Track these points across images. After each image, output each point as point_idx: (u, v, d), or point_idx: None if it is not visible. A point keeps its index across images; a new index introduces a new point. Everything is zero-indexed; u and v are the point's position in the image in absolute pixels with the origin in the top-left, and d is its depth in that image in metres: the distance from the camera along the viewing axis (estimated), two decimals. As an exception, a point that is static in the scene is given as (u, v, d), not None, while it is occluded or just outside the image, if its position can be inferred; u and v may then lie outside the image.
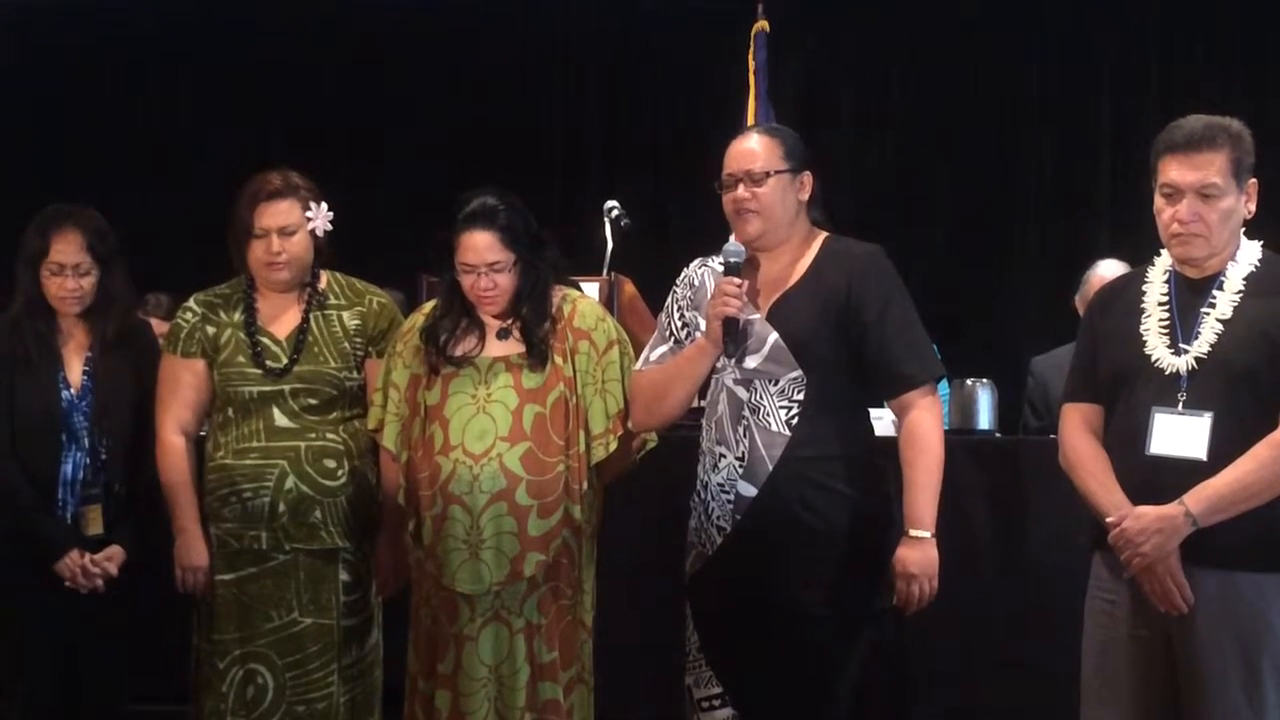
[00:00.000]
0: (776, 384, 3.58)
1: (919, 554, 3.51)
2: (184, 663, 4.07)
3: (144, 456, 4.04)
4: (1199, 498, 3.28)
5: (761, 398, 3.58)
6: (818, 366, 3.56)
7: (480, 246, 3.77)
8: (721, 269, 3.64)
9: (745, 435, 3.58)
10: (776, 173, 3.61)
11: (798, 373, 3.56)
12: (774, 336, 3.57)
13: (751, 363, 3.58)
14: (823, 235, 3.69)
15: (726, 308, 3.53)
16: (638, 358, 3.85)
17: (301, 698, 3.91)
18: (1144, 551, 3.29)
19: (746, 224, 3.62)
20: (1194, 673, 3.32)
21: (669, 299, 3.80)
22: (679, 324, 3.74)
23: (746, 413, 3.58)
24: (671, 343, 3.74)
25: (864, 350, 3.56)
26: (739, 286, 3.55)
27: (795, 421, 3.55)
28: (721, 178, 3.66)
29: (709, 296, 3.64)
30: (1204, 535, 3.28)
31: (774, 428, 3.56)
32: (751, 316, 3.59)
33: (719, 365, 3.63)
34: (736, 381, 3.61)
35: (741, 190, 3.61)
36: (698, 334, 3.66)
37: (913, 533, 3.52)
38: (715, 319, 3.55)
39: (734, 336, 3.56)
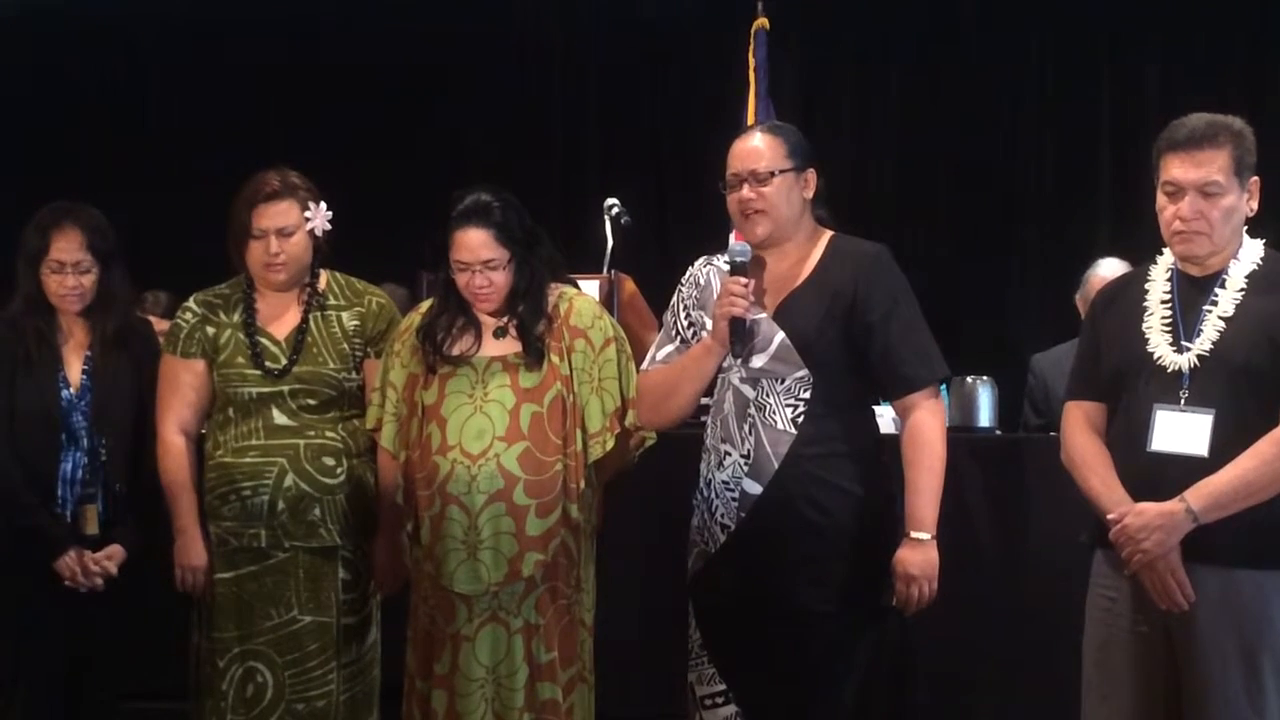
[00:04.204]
0: (783, 383, 3.57)
1: (919, 556, 3.51)
2: (184, 661, 4.07)
3: (144, 455, 4.04)
4: (1200, 494, 3.28)
5: (768, 396, 3.57)
6: (824, 366, 3.55)
7: (474, 244, 3.76)
8: (727, 267, 3.63)
9: (751, 433, 3.57)
10: (781, 172, 3.60)
11: (804, 372, 3.55)
12: (780, 336, 3.56)
13: (758, 362, 3.58)
14: (828, 233, 3.69)
15: (733, 308, 3.52)
16: (641, 356, 3.85)
17: (301, 696, 3.91)
18: (1145, 548, 3.30)
19: (753, 225, 3.61)
20: (1194, 669, 3.32)
21: (674, 298, 3.79)
22: (685, 323, 3.73)
23: (752, 410, 3.58)
24: (678, 342, 3.73)
25: (868, 351, 3.56)
26: (745, 286, 3.54)
27: (801, 420, 3.54)
28: (725, 178, 3.65)
29: (715, 295, 3.63)
30: (1205, 532, 3.29)
31: (780, 426, 3.55)
32: (758, 316, 3.58)
33: (725, 364, 3.62)
34: (743, 380, 3.60)
35: (747, 191, 3.60)
36: (704, 333, 3.66)
37: (913, 534, 3.52)
38: (722, 319, 3.54)
39: (741, 336, 3.55)
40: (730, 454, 3.60)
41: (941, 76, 7.85)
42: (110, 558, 4.01)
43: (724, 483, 3.60)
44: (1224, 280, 3.41)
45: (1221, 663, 3.30)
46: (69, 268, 4.03)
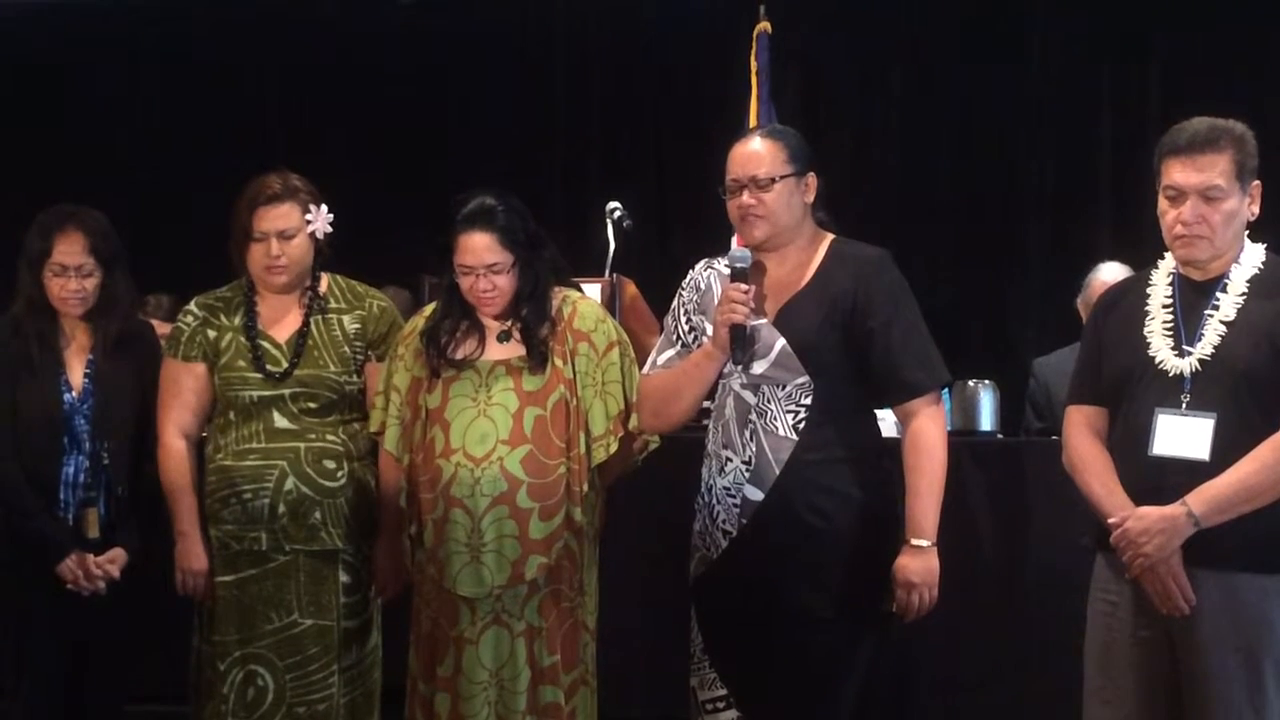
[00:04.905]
0: (784, 389, 3.55)
1: (920, 563, 3.49)
2: (185, 664, 4.07)
3: (146, 459, 4.04)
4: (1201, 498, 3.28)
5: (769, 402, 3.56)
6: (825, 372, 3.54)
7: (478, 248, 3.76)
8: (727, 271, 3.61)
9: (752, 439, 3.56)
10: (782, 177, 3.57)
11: (804, 378, 3.54)
12: (781, 342, 3.55)
13: (758, 368, 3.56)
14: (829, 237, 3.67)
15: (734, 315, 3.50)
16: (641, 359, 3.85)
17: (302, 699, 3.91)
18: (1146, 552, 3.30)
19: (753, 229, 3.59)
20: (1196, 674, 3.32)
21: (675, 302, 3.77)
22: (685, 327, 3.72)
23: (754, 417, 3.56)
24: (679, 346, 3.71)
25: (869, 356, 3.54)
26: (746, 293, 3.51)
27: (802, 426, 3.53)
28: (725, 182, 3.63)
29: (715, 300, 3.62)
30: (1206, 536, 3.28)
31: (781, 432, 3.54)
32: (758, 322, 3.56)
33: (726, 370, 3.60)
34: (744, 386, 3.58)
35: (746, 196, 3.58)
36: (704, 338, 3.64)
37: (914, 541, 3.50)
38: (722, 326, 3.53)
39: (741, 343, 3.52)
40: (732, 460, 3.59)
41: (942, 78, 7.84)
42: (112, 561, 4.01)
43: (725, 488, 3.59)
44: (1225, 284, 3.41)
45: (1223, 667, 3.30)
46: (71, 271, 4.02)
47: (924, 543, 3.50)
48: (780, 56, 6.49)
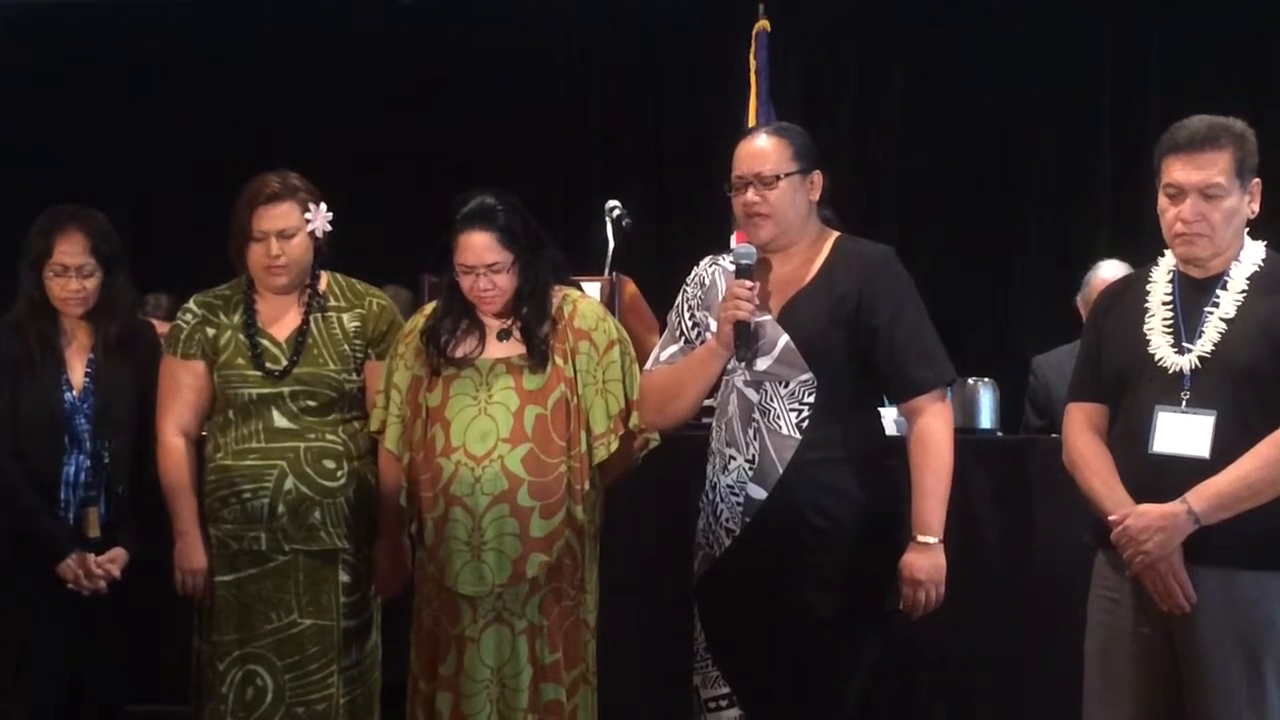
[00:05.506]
0: (787, 386, 3.56)
1: (926, 560, 3.49)
2: (184, 664, 4.07)
3: (146, 458, 4.04)
4: (1202, 496, 3.28)
5: (772, 400, 3.56)
6: (828, 369, 3.53)
7: (479, 247, 3.76)
8: (732, 268, 3.61)
9: (755, 437, 3.56)
10: (787, 175, 3.58)
11: (808, 375, 3.54)
12: (785, 339, 3.54)
13: (762, 365, 3.56)
14: (834, 235, 3.67)
15: (738, 311, 3.50)
16: (641, 358, 3.85)
17: (301, 699, 3.91)
18: (1146, 550, 3.30)
19: (757, 228, 3.59)
20: (1196, 671, 3.32)
21: (679, 298, 3.77)
22: (689, 323, 3.72)
23: (757, 415, 3.56)
24: (682, 342, 3.71)
25: (874, 354, 3.54)
26: (750, 290, 3.51)
27: (806, 424, 3.53)
28: (730, 179, 3.63)
29: (720, 297, 3.61)
30: (1206, 533, 3.29)
31: (784, 430, 3.54)
32: (762, 319, 3.56)
33: (729, 366, 3.60)
34: (747, 383, 3.59)
35: (751, 194, 3.58)
36: (708, 334, 3.64)
37: (920, 539, 3.50)
38: (726, 322, 3.52)
39: (745, 340, 3.52)
40: (735, 458, 3.58)
41: (942, 76, 7.85)
42: (113, 560, 4.01)
43: (729, 487, 3.59)
44: (1225, 282, 3.41)
45: (1223, 664, 3.30)
46: (72, 271, 4.02)
47: (930, 540, 3.49)
48: (780, 56, 6.49)
